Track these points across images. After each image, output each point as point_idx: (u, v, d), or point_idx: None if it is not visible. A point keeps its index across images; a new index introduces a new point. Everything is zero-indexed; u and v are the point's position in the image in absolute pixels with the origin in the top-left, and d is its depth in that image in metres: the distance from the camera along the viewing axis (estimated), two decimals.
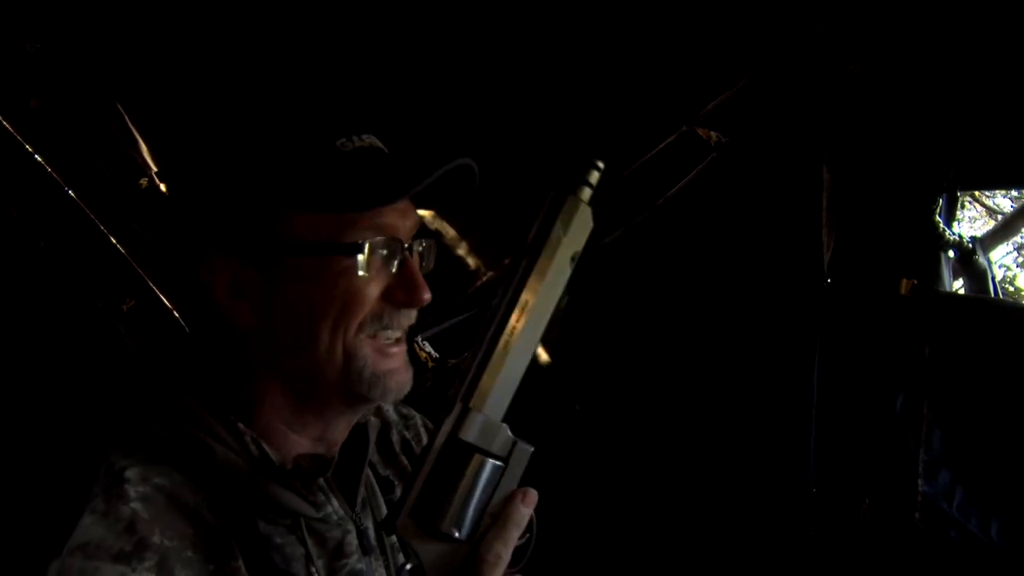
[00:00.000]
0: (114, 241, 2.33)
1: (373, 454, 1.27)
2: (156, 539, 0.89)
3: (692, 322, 2.31)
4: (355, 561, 1.08)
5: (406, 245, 1.05)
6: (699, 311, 2.30)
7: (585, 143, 2.27)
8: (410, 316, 1.08)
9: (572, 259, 0.91)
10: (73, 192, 2.33)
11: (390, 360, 1.05)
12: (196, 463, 1.00)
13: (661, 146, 2.25)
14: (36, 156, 2.32)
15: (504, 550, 0.89)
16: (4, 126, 2.30)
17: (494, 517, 0.90)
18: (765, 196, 2.18)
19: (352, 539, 1.09)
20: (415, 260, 1.08)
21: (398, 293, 1.04)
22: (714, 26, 2.08)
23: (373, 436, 1.17)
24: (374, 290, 1.02)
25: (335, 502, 1.10)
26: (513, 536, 0.90)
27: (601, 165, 0.90)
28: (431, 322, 2.51)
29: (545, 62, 2.27)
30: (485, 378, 0.88)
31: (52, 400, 2.12)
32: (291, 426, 1.08)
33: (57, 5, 2.34)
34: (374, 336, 1.04)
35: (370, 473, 1.24)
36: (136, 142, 2.41)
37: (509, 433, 0.91)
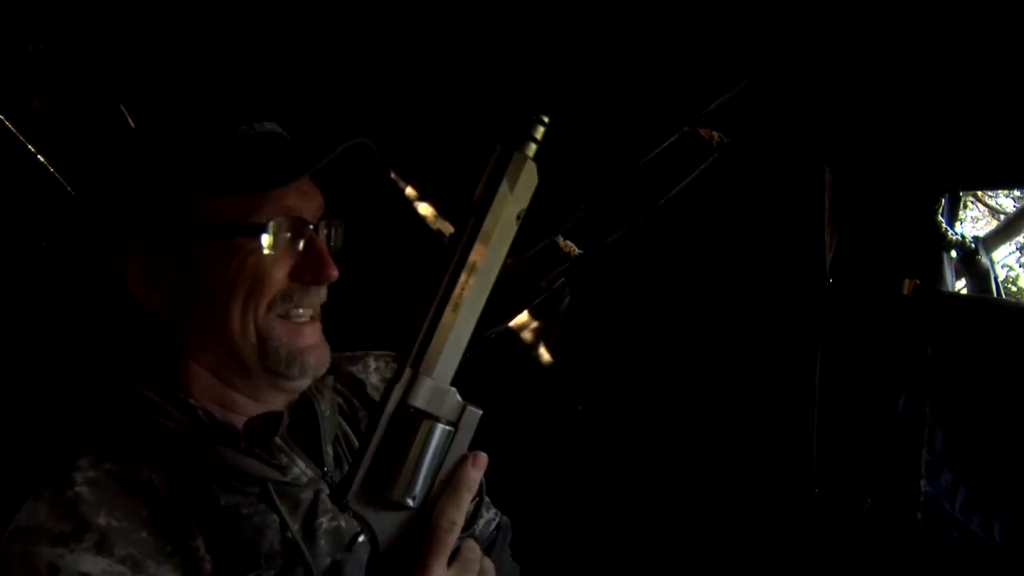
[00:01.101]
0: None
1: (360, 409, 1.29)
2: (101, 520, 0.89)
3: (694, 322, 2.31)
4: (330, 519, 1.08)
5: (312, 225, 1.08)
6: (701, 311, 2.30)
7: (588, 144, 2.27)
8: (320, 294, 1.11)
9: (518, 217, 0.88)
10: (75, 192, 2.33)
11: (304, 338, 1.08)
12: (151, 443, 1.00)
13: (663, 146, 2.24)
14: (39, 156, 2.32)
15: (458, 515, 0.87)
16: (6, 126, 2.30)
17: (445, 483, 0.89)
18: (767, 196, 2.18)
19: (325, 498, 1.09)
20: (322, 239, 1.10)
21: (305, 272, 1.07)
22: (715, 26, 2.08)
23: (327, 394, 1.20)
24: (281, 270, 1.05)
25: (300, 464, 1.09)
26: (465, 500, 0.88)
27: (546, 119, 0.88)
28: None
29: (549, 64, 2.27)
30: (434, 342, 0.86)
31: (52, 400, 2.12)
32: (227, 406, 1.09)
33: (59, 5, 2.35)
34: (286, 316, 1.06)
35: (347, 427, 1.25)
36: None
37: (458, 397, 0.88)
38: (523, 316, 2.62)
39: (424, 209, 2.55)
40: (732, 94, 2.13)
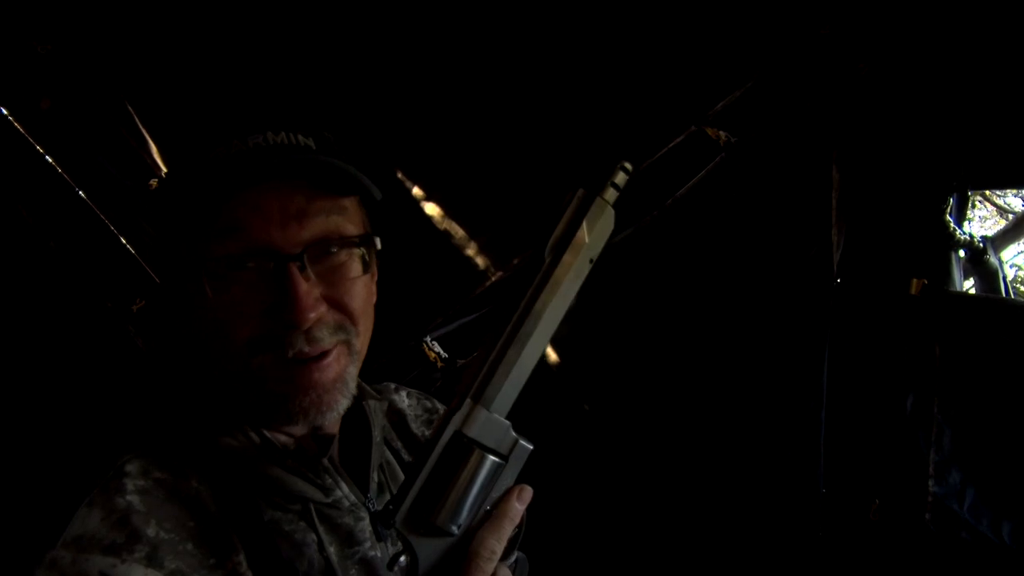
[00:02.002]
0: (124, 242, 2.34)
1: (395, 440, 1.28)
2: (151, 531, 0.89)
3: (701, 322, 2.31)
4: (367, 548, 1.08)
5: (290, 257, 0.96)
6: (708, 311, 2.29)
7: (595, 145, 2.27)
8: (332, 329, 1.01)
9: (591, 261, 0.90)
10: (84, 193, 2.34)
11: (300, 378, 0.99)
12: (201, 454, 1.00)
13: (670, 146, 2.24)
14: (47, 157, 2.33)
15: (498, 545, 0.89)
16: (15, 127, 2.31)
17: (489, 512, 0.91)
18: (774, 196, 2.17)
19: (365, 526, 1.09)
20: (328, 270, 1.01)
21: (275, 312, 0.96)
22: (723, 26, 2.07)
23: (379, 419, 1.17)
24: (250, 309, 0.96)
25: (344, 487, 1.08)
26: (507, 532, 0.91)
27: (629, 167, 0.90)
28: (440, 322, 2.51)
29: (555, 63, 2.27)
30: (496, 377, 0.88)
31: (61, 400, 2.13)
32: (270, 428, 1.07)
33: (67, 7, 2.35)
34: (285, 355, 0.97)
35: (391, 457, 1.23)
36: (146, 143, 2.42)
37: (512, 431, 0.91)
38: None
39: (431, 209, 2.55)
40: (739, 94, 2.13)
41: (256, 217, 0.95)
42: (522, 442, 0.92)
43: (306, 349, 0.97)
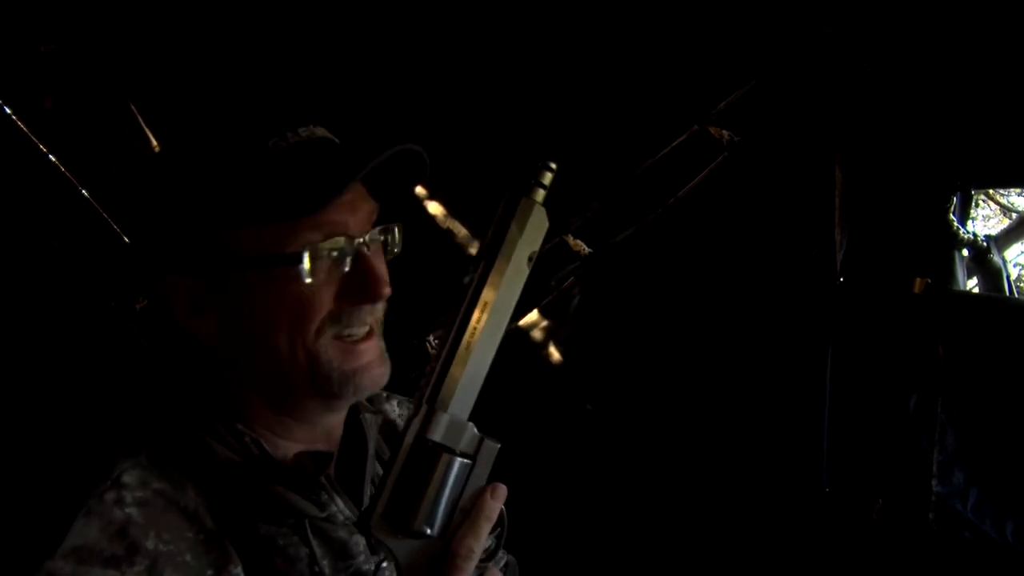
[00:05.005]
0: (127, 241, 2.34)
1: (385, 453, 1.27)
2: (150, 544, 0.89)
3: (703, 321, 2.31)
4: (362, 562, 1.08)
5: (361, 240, 1.03)
6: (711, 310, 2.29)
7: (600, 143, 2.27)
8: (376, 310, 1.07)
9: (530, 259, 0.93)
10: (87, 192, 2.35)
11: (358, 357, 1.04)
12: (198, 465, 1.00)
13: (673, 145, 2.24)
14: (50, 156, 2.34)
15: (476, 544, 0.91)
16: (18, 126, 2.31)
17: (465, 512, 0.93)
18: (777, 195, 2.17)
19: (359, 539, 1.09)
20: (375, 252, 1.06)
21: (354, 292, 1.02)
22: (726, 25, 2.07)
23: (373, 433, 1.17)
24: (326, 293, 1.01)
25: (339, 502, 1.09)
26: (484, 530, 0.92)
27: (553, 166, 0.93)
28: (442, 321, 2.51)
29: (557, 63, 2.27)
30: (449, 378, 0.90)
31: (64, 399, 2.14)
32: (276, 432, 1.08)
33: (70, 6, 2.36)
34: (339, 336, 1.03)
35: (381, 471, 1.23)
36: (148, 141, 2.42)
37: (475, 431, 0.93)
38: (533, 315, 2.62)
39: (434, 208, 2.56)
40: (742, 92, 2.13)
41: (334, 203, 0.99)
42: (488, 441, 0.94)
43: (363, 330, 1.05)
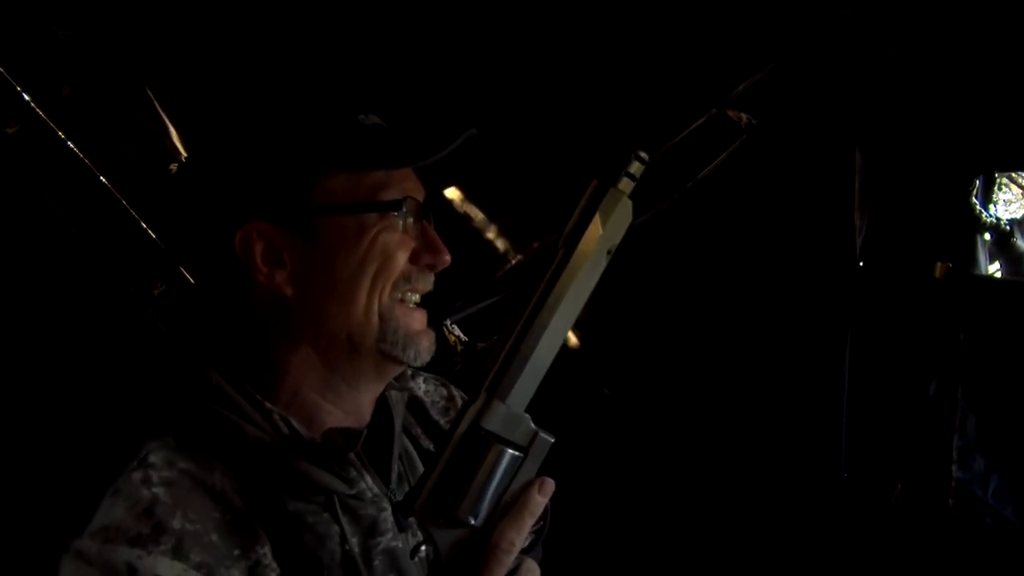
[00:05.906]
0: (145, 227, 2.35)
1: (414, 427, 1.29)
2: (176, 523, 0.90)
3: (722, 306, 2.30)
4: (389, 539, 1.09)
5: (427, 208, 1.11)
6: (729, 295, 2.29)
7: (614, 127, 2.26)
8: (429, 281, 1.11)
9: (608, 252, 0.89)
10: (105, 178, 2.36)
11: (418, 322, 1.09)
12: (226, 444, 1.01)
13: (691, 128, 2.23)
14: (68, 143, 2.35)
15: (517, 537, 0.90)
16: (37, 113, 2.33)
17: (510, 505, 0.91)
18: (796, 179, 2.15)
19: (387, 516, 1.10)
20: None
21: (423, 255, 1.08)
22: (745, 6, 2.05)
23: (400, 410, 1.18)
24: (405, 251, 1.06)
25: (368, 479, 1.10)
26: (527, 524, 0.91)
27: (645, 156, 0.88)
28: (460, 305, 2.51)
29: (575, 46, 2.26)
30: (512, 369, 0.88)
31: (83, 385, 2.15)
32: (323, 395, 1.09)
33: None
34: (402, 299, 1.07)
35: (410, 446, 1.25)
36: (166, 128, 2.43)
37: (531, 423, 0.91)
38: None
39: (451, 192, 2.55)
40: (761, 75, 2.10)
41: (403, 172, 1.08)
42: (542, 435, 0.91)
43: (419, 297, 1.10)
